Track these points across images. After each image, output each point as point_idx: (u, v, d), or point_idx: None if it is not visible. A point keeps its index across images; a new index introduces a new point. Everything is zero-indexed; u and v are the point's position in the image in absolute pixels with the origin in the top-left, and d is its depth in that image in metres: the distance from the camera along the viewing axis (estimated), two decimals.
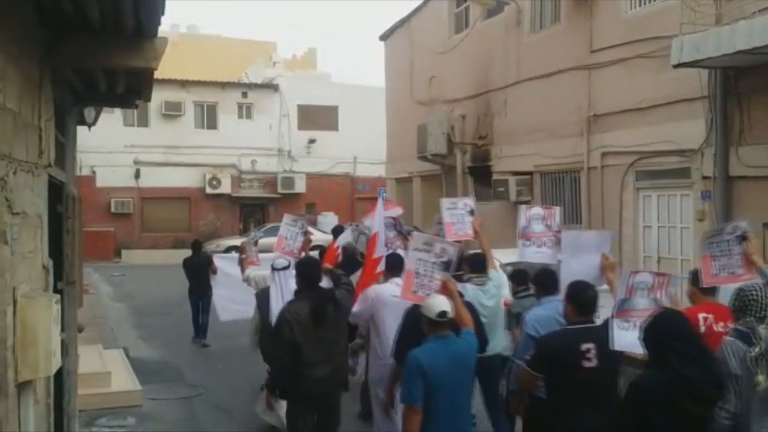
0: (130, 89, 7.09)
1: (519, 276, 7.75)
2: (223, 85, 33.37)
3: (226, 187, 32.49)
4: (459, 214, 8.03)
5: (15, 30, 4.29)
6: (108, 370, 10.08)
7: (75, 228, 6.96)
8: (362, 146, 32.69)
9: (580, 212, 14.82)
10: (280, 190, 32.90)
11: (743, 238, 5.81)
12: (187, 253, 14.30)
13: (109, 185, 30.63)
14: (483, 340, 6.26)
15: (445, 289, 5.69)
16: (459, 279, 7.13)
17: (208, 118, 33.11)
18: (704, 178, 11.66)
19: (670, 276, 5.36)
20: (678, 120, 12.11)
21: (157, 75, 6.46)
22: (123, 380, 10.16)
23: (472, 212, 8.03)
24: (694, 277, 5.98)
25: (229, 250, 22.46)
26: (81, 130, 8.89)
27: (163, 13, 4.79)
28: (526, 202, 16.49)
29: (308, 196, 33.47)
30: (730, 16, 10.55)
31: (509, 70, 17.27)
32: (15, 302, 4.17)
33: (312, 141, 33.97)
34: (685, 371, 4.09)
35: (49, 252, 5.43)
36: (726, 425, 4.44)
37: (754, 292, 4.86)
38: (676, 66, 10.77)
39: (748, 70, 10.67)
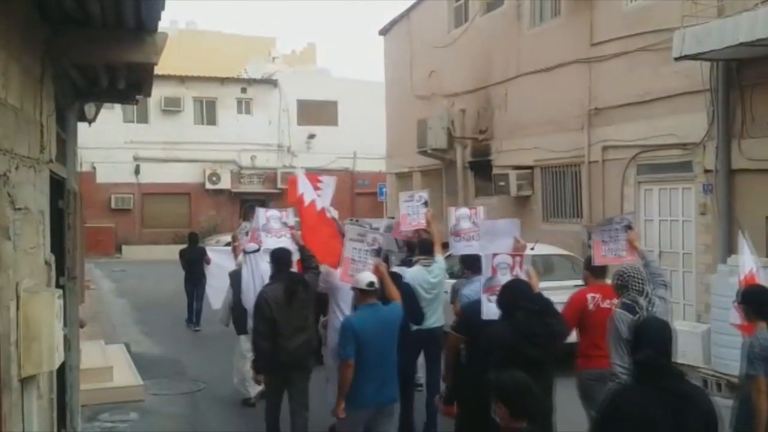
0: (131, 85, 7.07)
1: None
2: (223, 81, 33.33)
3: (225, 183, 32.49)
4: (414, 206, 9.03)
5: (16, 26, 4.28)
6: (110, 366, 10.09)
7: (76, 224, 6.96)
8: (362, 141, 32.64)
9: (581, 206, 14.81)
10: (279, 186, 32.88)
11: (628, 227, 6.90)
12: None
13: (109, 181, 30.65)
14: (418, 314, 7.68)
15: (376, 271, 6.73)
16: (409, 263, 8.68)
17: (208, 113, 33.11)
18: (706, 171, 11.64)
19: (524, 256, 6.53)
20: (679, 113, 12.09)
21: (156, 71, 6.46)
22: (125, 375, 10.18)
23: (426, 204, 9.01)
24: (587, 263, 7.08)
25: (230, 245, 22.43)
26: (81, 126, 8.86)
27: (163, 8, 4.78)
28: (527, 197, 16.52)
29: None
30: (733, 8, 10.52)
31: (509, 64, 17.24)
32: (18, 297, 4.17)
33: (311, 136, 33.95)
34: (527, 324, 5.38)
35: (51, 248, 5.42)
36: (624, 379, 5.22)
37: (633, 272, 6.08)
38: (678, 59, 10.74)
39: (751, 62, 10.65)
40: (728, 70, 11.13)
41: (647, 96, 12.76)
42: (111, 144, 29.19)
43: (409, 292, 7.48)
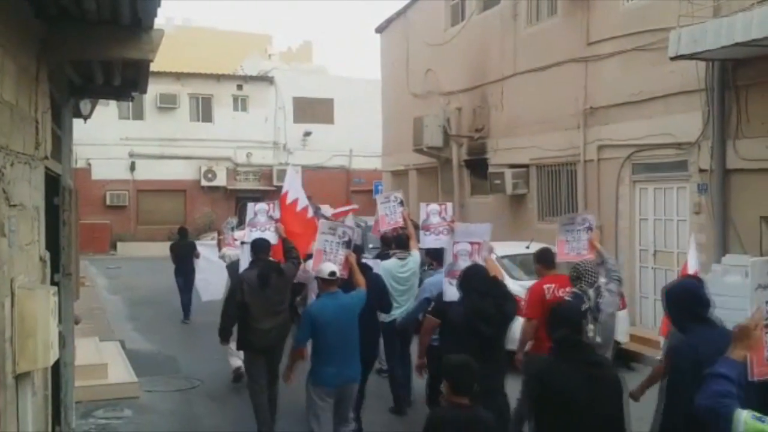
0: (127, 81, 7.08)
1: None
2: (219, 78, 33.29)
3: (221, 180, 32.45)
4: (391, 207, 9.70)
5: (11, 22, 4.27)
6: (105, 362, 10.11)
7: (71, 220, 6.95)
8: (358, 139, 32.62)
9: (577, 205, 14.83)
10: (275, 183, 32.81)
11: (590, 228, 7.48)
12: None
13: (105, 178, 30.59)
14: (386, 304, 8.34)
15: (347, 263, 7.56)
16: (386, 256, 9.54)
17: (204, 110, 33.05)
18: (701, 171, 11.66)
19: (482, 244, 7.29)
20: (675, 113, 12.11)
21: (152, 67, 6.47)
22: (119, 372, 10.19)
23: (401, 203, 9.75)
24: (538, 257, 7.79)
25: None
26: (76, 122, 8.86)
27: (159, 5, 4.78)
28: (523, 196, 16.53)
29: (304, 189, 33.35)
30: (729, 8, 10.54)
31: (506, 62, 17.25)
32: (13, 294, 4.17)
33: (307, 134, 33.94)
34: (481, 303, 6.15)
35: (46, 244, 5.42)
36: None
37: (587, 266, 6.91)
38: (673, 58, 10.75)
39: (746, 62, 10.67)
40: (724, 70, 11.15)
41: (643, 95, 12.78)
42: (106, 141, 29.13)
43: (378, 283, 8.22)
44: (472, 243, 7.29)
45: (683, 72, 11.61)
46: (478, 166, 18.59)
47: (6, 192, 4.08)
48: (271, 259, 8.17)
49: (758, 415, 3.35)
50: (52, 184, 6.12)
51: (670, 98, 12.19)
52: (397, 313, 8.81)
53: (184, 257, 14.97)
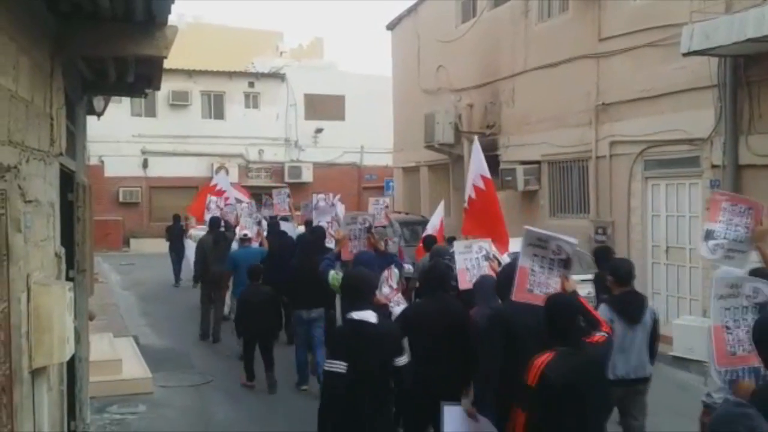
0: (140, 78, 7.10)
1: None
2: (230, 75, 33.35)
3: (233, 177, 32.39)
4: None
5: (26, 19, 4.30)
6: (119, 358, 10.16)
7: (86, 216, 6.99)
8: (369, 136, 32.62)
9: (589, 201, 14.81)
10: (287, 180, 32.89)
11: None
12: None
13: (117, 175, 30.69)
14: None
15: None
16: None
17: (215, 107, 33.12)
18: (713, 167, 11.63)
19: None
20: (687, 109, 12.08)
21: (164, 65, 6.48)
22: (134, 368, 10.25)
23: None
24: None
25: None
26: (89, 120, 8.90)
27: (173, 1, 4.79)
28: (534, 192, 16.51)
29: (315, 186, 33.27)
30: (741, 4, 10.51)
31: (517, 59, 17.23)
32: (29, 290, 4.19)
33: (319, 130, 33.97)
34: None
35: (60, 240, 5.46)
36: None
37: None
38: (686, 54, 10.73)
39: (759, 58, 10.63)
40: (736, 66, 11.11)
41: (655, 91, 12.75)
42: (119, 138, 29.24)
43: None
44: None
45: (695, 68, 11.58)
46: (489, 162, 18.46)
47: (22, 188, 4.10)
48: (220, 230, 13.98)
49: None
50: (67, 180, 6.15)
51: (682, 94, 12.15)
52: None
53: (176, 237, 20.18)
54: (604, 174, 14.31)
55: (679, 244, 12.56)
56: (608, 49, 14.05)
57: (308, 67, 36.21)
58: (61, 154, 5.41)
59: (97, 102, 8.98)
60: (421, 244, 11.42)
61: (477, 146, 9.87)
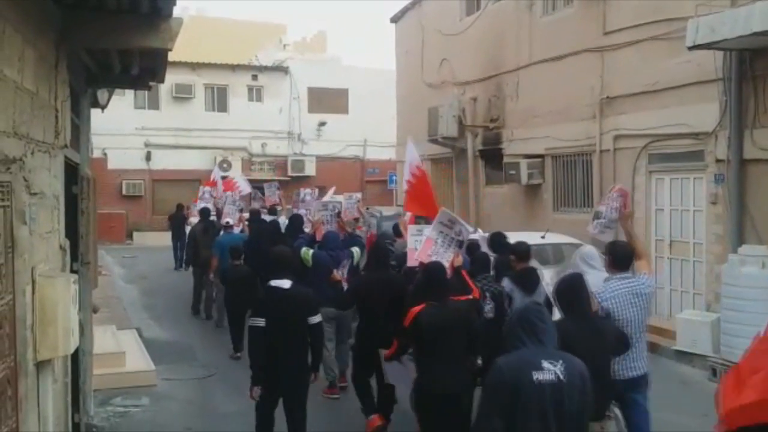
0: (144, 70, 7.09)
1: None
2: (234, 68, 33.28)
3: (236, 170, 32.42)
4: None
5: (31, 11, 4.29)
6: (122, 351, 10.18)
7: (90, 209, 6.99)
8: (372, 129, 32.64)
9: (592, 195, 14.78)
10: (290, 173, 32.89)
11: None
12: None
13: (121, 167, 30.65)
14: None
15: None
16: None
17: (219, 100, 33.09)
18: (718, 161, 11.60)
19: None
20: (692, 103, 12.04)
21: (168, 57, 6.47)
22: (137, 360, 10.27)
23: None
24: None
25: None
26: (93, 112, 8.90)
27: None
28: (538, 186, 16.49)
29: (318, 179, 33.37)
30: None
31: (521, 52, 17.18)
32: (34, 282, 4.19)
33: (322, 124, 33.94)
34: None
35: (65, 233, 5.46)
36: None
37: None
38: (691, 48, 10.67)
39: (764, 52, 10.58)
40: (741, 60, 11.06)
41: (659, 85, 12.71)
42: (122, 130, 29.16)
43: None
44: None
45: (700, 62, 11.53)
46: (493, 156, 18.55)
47: (27, 180, 4.11)
48: (210, 219, 15.50)
49: None
50: (71, 173, 6.16)
51: (687, 88, 12.11)
52: None
53: (178, 225, 22.22)
54: (608, 168, 14.28)
55: (683, 238, 12.53)
56: (613, 43, 14.00)
57: (312, 61, 36.15)
58: (65, 146, 5.41)
59: (101, 95, 8.98)
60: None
61: (411, 146, 11.40)
